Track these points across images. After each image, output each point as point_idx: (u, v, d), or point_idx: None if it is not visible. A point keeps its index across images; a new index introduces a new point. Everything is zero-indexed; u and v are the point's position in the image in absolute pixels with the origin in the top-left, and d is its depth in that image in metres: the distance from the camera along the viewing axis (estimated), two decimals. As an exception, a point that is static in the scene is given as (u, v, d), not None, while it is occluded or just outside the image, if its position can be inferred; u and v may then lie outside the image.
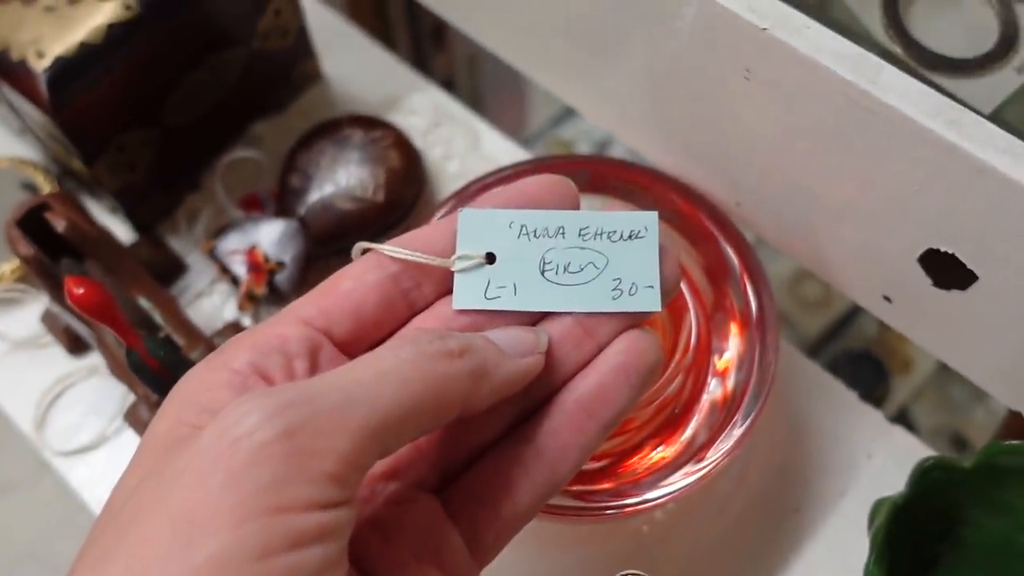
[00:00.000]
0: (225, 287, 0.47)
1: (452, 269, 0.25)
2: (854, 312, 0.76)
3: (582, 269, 0.25)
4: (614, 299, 0.25)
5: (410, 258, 0.25)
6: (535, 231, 0.26)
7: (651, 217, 0.26)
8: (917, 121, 0.28)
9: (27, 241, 0.39)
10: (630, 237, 0.25)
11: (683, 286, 0.39)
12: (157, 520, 0.19)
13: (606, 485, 0.35)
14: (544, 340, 0.25)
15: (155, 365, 0.35)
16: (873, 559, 0.34)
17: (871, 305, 0.37)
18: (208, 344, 0.40)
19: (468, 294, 0.25)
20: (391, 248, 0.25)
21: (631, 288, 0.25)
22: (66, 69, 0.39)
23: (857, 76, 0.29)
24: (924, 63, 0.34)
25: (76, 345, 0.45)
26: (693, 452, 0.35)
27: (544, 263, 0.25)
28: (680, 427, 0.36)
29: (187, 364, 0.37)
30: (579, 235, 0.25)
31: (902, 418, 0.72)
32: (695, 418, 0.36)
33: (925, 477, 0.35)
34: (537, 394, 0.25)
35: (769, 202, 0.37)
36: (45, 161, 0.49)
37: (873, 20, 0.34)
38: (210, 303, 0.47)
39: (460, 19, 0.46)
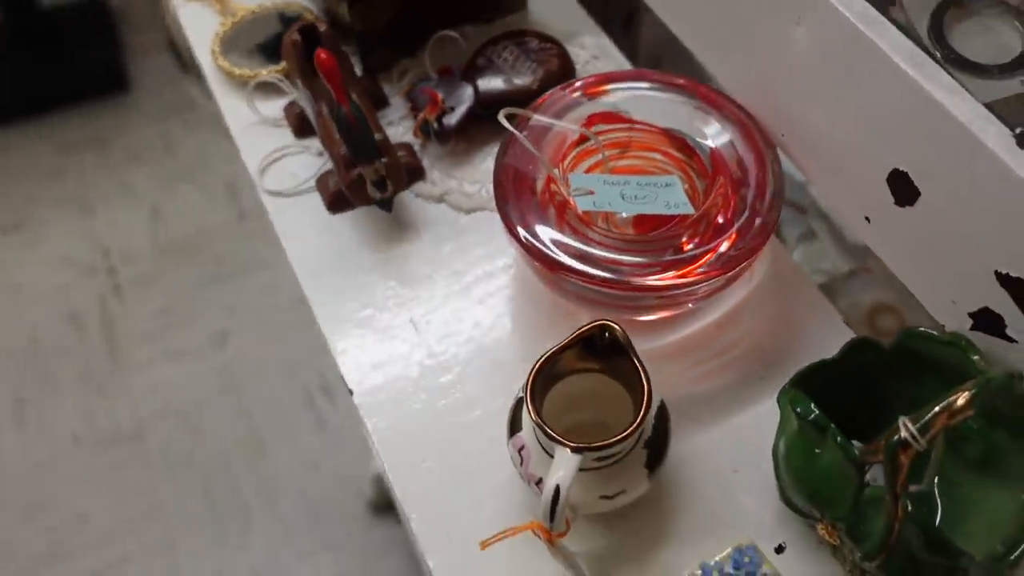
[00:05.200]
0: (409, 123, 0.64)
1: (571, 198, 0.50)
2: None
3: (644, 196, 0.51)
4: (666, 208, 0.51)
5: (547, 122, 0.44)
6: (613, 182, 0.52)
7: (673, 179, 0.53)
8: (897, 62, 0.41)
9: (295, 37, 0.58)
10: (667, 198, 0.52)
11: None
12: None
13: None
14: None
15: (353, 121, 0.52)
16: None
17: (857, 226, 0.49)
18: (383, 133, 0.57)
19: (583, 205, 0.51)
20: (537, 115, 0.43)
21: (676, 205, 0.51)
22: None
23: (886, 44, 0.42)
24: (953, 63, 0.46)
25: (301, 130, 0.64)
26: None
27: (622, 193, 0.52)
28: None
29: (370, 132, 0.54)
30: (638, 185, 0.52)
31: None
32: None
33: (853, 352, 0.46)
34: None
35: (808, 138, 0.50)
36: (318, 9, 0.69)
37: (921, 28, 0.46)
38: (395, 130, 0.64)
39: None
